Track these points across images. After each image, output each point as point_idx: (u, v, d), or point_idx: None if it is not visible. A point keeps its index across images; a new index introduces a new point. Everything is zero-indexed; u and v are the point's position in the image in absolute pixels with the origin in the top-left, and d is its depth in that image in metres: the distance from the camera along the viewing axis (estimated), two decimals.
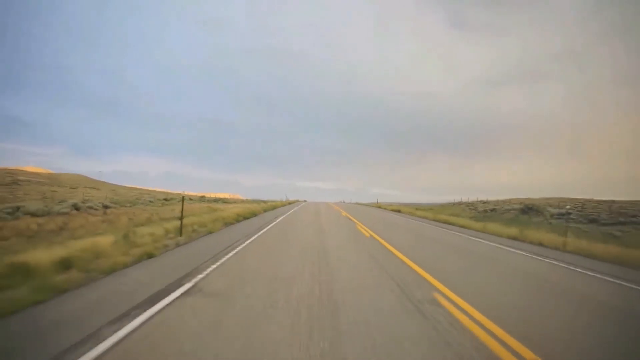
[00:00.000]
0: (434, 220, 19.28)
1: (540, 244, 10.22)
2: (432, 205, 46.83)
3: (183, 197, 9.55)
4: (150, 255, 6.09)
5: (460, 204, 49.12)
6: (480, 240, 10.95)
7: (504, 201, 44.27)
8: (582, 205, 37.61)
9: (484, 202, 46.03)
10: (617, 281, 6.02)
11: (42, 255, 5.09)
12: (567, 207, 25.94)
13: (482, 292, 4.66)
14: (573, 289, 5.37)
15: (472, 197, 47.98)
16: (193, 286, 4.30)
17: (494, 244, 10.04)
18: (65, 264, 5.13)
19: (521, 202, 40.11)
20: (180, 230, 9.11)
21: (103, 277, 4.67)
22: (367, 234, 10.56)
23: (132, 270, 5.15)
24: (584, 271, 6.74)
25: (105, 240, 6.78)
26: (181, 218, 9.46)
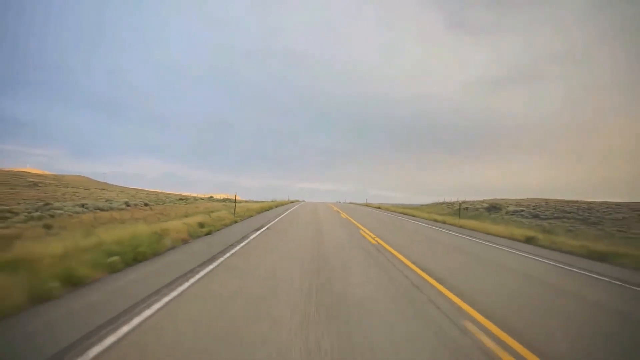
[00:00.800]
0: (401, 213, 26.04)
1: (444, 222, 17.00)
2: (420, 205, 54.12)
3: (235, 196, 16.13)
4: (235, 222, 12.69)
5: (442, 203, 56.50)
6: (410, 220, 17.83)
7: (481, 201, 51.70)
8: (536, 205, 45.02)
9: (463, 202, 53.41)
10: (456, 233, 12.73)
11: (188, 221, 11.63)
12: (515, 206, 32.88)
13: (381, 231, 11.34)
14: (425, 232, 12.13)
15: (468, 198, 55.72)
16: (267, 229, 10.93)
17: (415, 222, 16.88)
18: (201, 225, 11.71)
19: (492, 203, 47.56)
20: (234, 213, 15.70)
21: (226, 228, 11.21)
22: (344, 216, 17.31)
23: (235, 225, 11.76)
24: (445, 230, 13.46)
25: (202, 217, 13.31)
26: (234, 206, 16.05)
